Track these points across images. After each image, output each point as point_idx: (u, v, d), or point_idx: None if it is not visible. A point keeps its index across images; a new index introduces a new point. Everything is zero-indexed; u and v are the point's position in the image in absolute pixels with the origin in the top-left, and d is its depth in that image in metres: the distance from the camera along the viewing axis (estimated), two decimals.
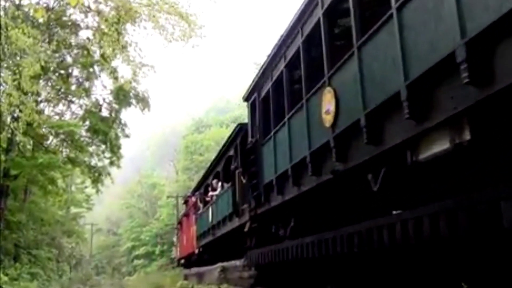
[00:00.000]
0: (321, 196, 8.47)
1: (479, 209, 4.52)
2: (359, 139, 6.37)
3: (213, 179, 19.34)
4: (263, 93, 11.69)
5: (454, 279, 5.49)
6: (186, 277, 26.86)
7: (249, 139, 12.29)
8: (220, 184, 17.69)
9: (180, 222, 34.73)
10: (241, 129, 14.26)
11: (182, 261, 33.06)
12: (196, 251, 23.65)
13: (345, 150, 7.00)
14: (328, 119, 7.39)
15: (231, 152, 15.18)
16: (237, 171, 13.43)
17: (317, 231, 8.57)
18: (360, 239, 6.79)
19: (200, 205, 22.07)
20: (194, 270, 25.33)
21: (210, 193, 19.25)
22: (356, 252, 7.00)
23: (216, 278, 17.84)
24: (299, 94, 8.97)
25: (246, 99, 13.25)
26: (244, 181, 12.58)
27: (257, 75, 12.29)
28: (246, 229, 12.00)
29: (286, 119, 9.60)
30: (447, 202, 5.09)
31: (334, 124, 7.22)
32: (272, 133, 10.55)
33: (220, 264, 18.38)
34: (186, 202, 32.61)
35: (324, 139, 7.53)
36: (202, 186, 23.00)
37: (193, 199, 25.66)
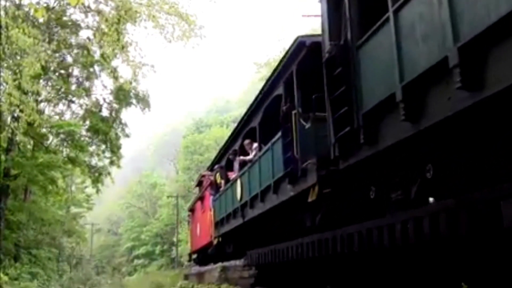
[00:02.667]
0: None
1: (479, 208, 4.53)
2: None
3: (243, 140, 14.05)
4: None
5: (454, 279, 5.49)
6: (186, 277, 26.84)
7: (326, 46, 7.34)
8: (255, 145, 12.69)
9: (192, 209, 29.02)
10: (301, 46, 8.90)
11: (194, 256, 28.37)
12: (215, 241, 18.90)
13: None
14: None
15: (279, 91, 10.33)
16: (293, 113, 8.86)
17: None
18: (360, 239, 6.80)
19: (222, 182, 16.89)
20: (195, 269, 25.32)
21: (238, 160, 14.22)
22: (356, 252, 7.01)
23: (216, 278, 17.83)
24: None
25: None
26: (307, 125, 8.44)
27: None
28: (311, 198, 8.05)
29: None
30: (447, 201, 5.10)
31: None
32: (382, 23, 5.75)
33: (220, 264, 18.37)
34: (199, 183, 26.73)
35: None
36: (223, 158, 17.33)
37: (210, 177, 20.78)
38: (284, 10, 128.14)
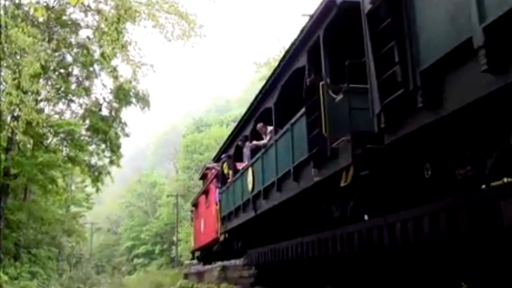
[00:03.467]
0: None
1: (479, 208, 4.52)
2: None
3: (256, 124, 12.36)
4: None
5: (454, 279, 5.49)
6: (186, 276, 26.84)
7: None
8: (270, 128, 11.24)
9: (195, 204, 27.46)
10: (330, 6, 7.60)
11: (198, 253, 27.19)
12: (221, 237, 17.37)
13: None
14: None
15: (301, 63, 8.95)
16: (320, 84, 7.60)
17: None
18: (360, 239, 6.79)
19: (229, 172, 15.39)
20: (195, 269, 25.32)
21: (250, 146, 12.59)
22: (356, 251, 7.00)
23: (216, 277, 17.84)
24: None
25: None
26: (338, 97, 7.33)
27: None
28: (344, 182, 6.91)
29: None
30: (447, 201, 5.10)
31: None
32: None
33: (219, 263, 18.37)
34: (204, 176, 25.39)
35: None
36: (231, 146, 15.70)
37: (215, 169, 19.33)
38: (283, 9, 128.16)
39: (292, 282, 11.11)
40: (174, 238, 50.23)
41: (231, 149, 15.59)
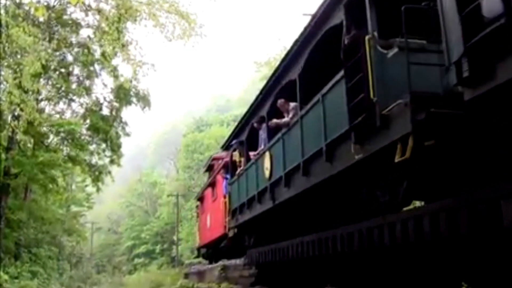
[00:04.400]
0: None
1: (479, 208, 4.52)
2: None
3: (275, 100, 10.60)
4: None
5: (454, 279, 5.50)
6: (186, 276, 26.84)
7: None
8: (293, 105, 9.83)
9: (200, 198, 25.65)
10: None
11: (203, 250, 25.58)
12: (230, 233, 15.79)
13: None
14: None
15: (336, 19, 7.42)
16: (366, 39, 6.28)
17: None
18: (360, 238, 6.79)
19: (241, 160, 13.78)
20: (195, 268, 25.32)
21: (268, 126, 10.85)
22: (356, 251, 7.00)
23: (216, 277, 17.85)
24: None
25: None
26: (391, 52, 6.07)
27: None
28: (400, 157, 5.50)
29: None
30: (448, 201, 5.10)
31: None
32: None
33: (220, 262, 18.36)
34: (209, 168, 23.91)
35: None
36: (243, 132, 13.74)
37: (223, 159, 18.09)
38: (284, 9, 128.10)
39: (292, 282, 11.11)
40: (175, 238, 50.22)
41: (243, 135, 13.75)
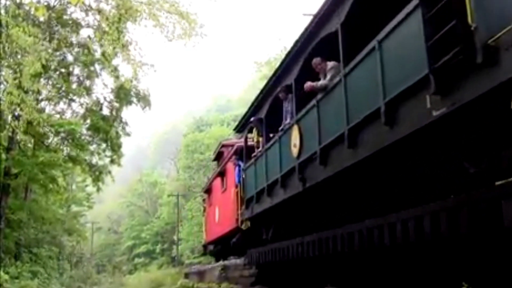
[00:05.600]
0: None
1: (479, 208, 4.52)
2: None
3: (305, 63, 8.97)
4: None
5: (455, 279, 5.49)
6: (186, 276, 26.84)
7: None
8: (332, 64, 8.16)
9: (208, 190, 23.66)
10: None
11: (211, 247, 23.83)
12: (244, 226, 13.93)
13: None
14: None
15: None
16: None
17: None
18: (360, 238, 6.78)
19: (260, 140, 12.04)
20: (195, 268, 25.32)
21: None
22: (357, 251, 6.99)
23: (217, 277, 17.85)
24: None
25: None
26: None
27: None
28: None
29: None
30: (448, 201, 5.09)
31: None
32: None
33: (220, 262, 18.34)
34: (218, 156, 21.75)
35: None
36: (262, 108, 11.82)
37: (235, 145, 16.57)
38: (284, 9, 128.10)
39: (292, 282, 11.11)
40: (175, 238, 50.25)
41: (261, 112, 11.82)
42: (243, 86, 78.37)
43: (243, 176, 13.69)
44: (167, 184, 65.64)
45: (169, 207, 56.98)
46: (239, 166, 14.62)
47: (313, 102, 8.28)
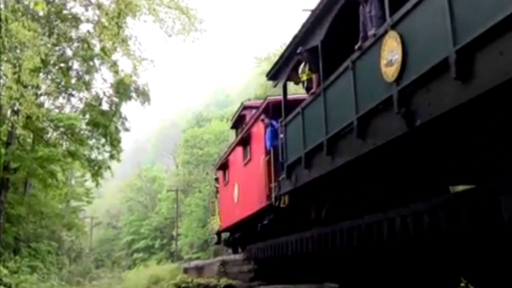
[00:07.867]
0: None
1: (479, 203, 4.52)
2: None
3: None
4: None
5: (454, 274, 5.50)
6: (185, 271, 26.87)
7: None
8: None
9: (222, 166, 19.22)
10: None
11: (226, 235, 20.48)
12: (283, 202, 10.25)
13: None
14: None
15: None
16: None
17: None
18: (359, 234, 6.77)
19: (312, 78, 8.77)
20: (194, 263, 25.35)
21: None
22: (355, 247, 6.99)
23: (216, 272, 17.86)
24: None
25: None
26: None
27: None
28: None
29: None
30: (447, 196, 5.10)
31: None
32: None
33: (219, 257, 18.33)
34: (239, 121, 17.77)
35: None
36: (314, 33, 8.38)
37: (260, 106, 13.54)
38: (284, 4, 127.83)
39: (291, 277, 11.13)
40: (174, 233, 50.29)
41: (314, 37, 8.40)
42: (243, 81, 78.37)
43: (281, 135, 10.38)
44: (166, 179, 65.65)
45: (168, 202, 57.01)
46: (273, 126, 11.61)
47: None
